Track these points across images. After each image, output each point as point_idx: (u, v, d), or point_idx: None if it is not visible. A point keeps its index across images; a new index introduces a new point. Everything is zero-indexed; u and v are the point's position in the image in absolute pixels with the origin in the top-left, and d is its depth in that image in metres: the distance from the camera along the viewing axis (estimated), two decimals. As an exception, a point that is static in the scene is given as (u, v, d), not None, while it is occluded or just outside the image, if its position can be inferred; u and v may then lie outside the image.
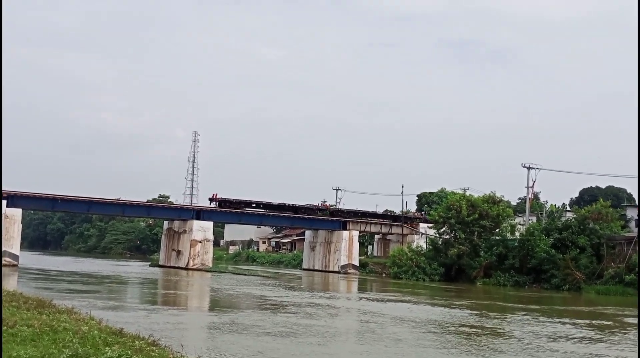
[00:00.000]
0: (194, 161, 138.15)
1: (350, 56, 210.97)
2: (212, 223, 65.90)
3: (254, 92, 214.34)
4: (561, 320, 28.08)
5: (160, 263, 68.04)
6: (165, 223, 69.60)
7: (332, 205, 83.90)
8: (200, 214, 65.23)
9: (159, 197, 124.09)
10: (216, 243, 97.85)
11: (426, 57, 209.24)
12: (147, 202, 75.21)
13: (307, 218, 72.16)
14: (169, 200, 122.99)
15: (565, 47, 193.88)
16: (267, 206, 70.99)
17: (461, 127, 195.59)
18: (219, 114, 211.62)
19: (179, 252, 64.65)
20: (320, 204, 79.05)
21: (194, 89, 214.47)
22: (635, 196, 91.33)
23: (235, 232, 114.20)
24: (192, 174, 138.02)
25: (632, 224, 60.98)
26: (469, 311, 30.32)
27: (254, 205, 70.18)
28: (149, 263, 75.84)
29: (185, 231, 64.17)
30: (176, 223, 66.16)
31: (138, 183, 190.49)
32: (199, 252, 63.03)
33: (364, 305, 32.56)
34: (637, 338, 21.65)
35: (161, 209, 69.21)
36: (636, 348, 19.39)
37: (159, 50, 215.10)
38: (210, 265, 64.14)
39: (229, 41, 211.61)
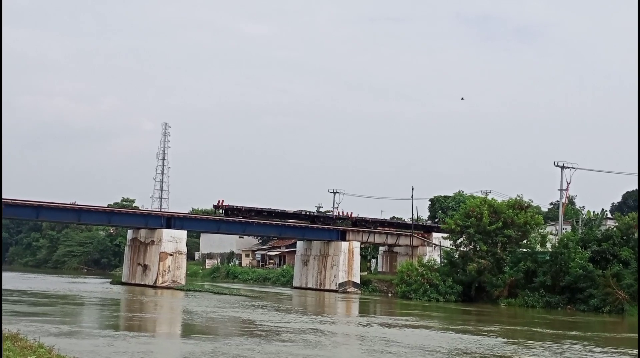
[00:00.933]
0: (163, 159, 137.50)
1: (350, 33, 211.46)
2: (185, 232, 65.66)
3: (236, 76, 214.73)
4: (617, 349, 27.79)
5: (124, 279, 67.72)
6: (130, 232, 69.25)
7: (340, 212, 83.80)
8: (171, 221, 64.95)
9: (122, 201, 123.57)
10: (190, 257, 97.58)
11: (440, 34, 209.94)
12: (107, 207, 74.99)
13: (299, 226, 72.05)
14: (134, 205, 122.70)
15: (607, 22, 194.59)
16: (281, 214, 72.48)
17: (482, 119, 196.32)
18: (194, 101, 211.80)
19: (145, 267, 64.35)
20: (343, 213, 79.02)
21: (165, 72, 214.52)
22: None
23: (213, 243, 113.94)
24: (162, 174, 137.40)
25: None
26: (502, 340, 29.98)
27: (265, 213, 71.56)
28: (110, 279, 75.52)
29: (153, 242, 63.87)
30: (142, 233, 65.82)
31: (97, 184, 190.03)
32: (169, 267, 62.75)
33: (374, 332, 32.16)
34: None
35: (124, 216, 68.81)
36: None
37: (124, 26, 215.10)
38: (183, 282, 63.92)
39: (206, 15, 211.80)
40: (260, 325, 32.60)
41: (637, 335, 32.91)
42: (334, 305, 54.09)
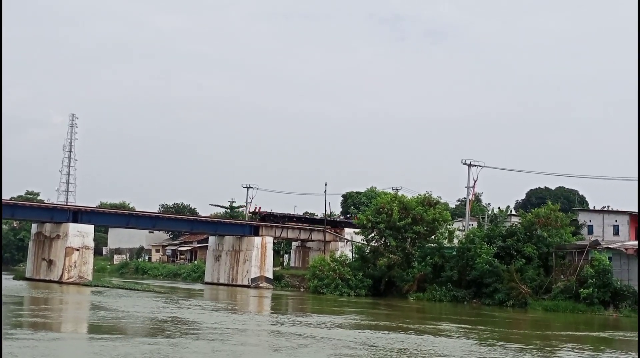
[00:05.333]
0: (70, 151, 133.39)
1: (265, 29, 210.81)
2: (92, 226, 64.06)
3: (150, 69, 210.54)
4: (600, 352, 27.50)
5: (27, 275, 65.58)
6: (34, 226, 67.11)
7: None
8: (77, 215, 63.28)
9: (26, 194, 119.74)
10: (98, 252, 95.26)
11: (354, 34, 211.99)
12: (10, 200, 72.20)
13: (211, 221, 71.36)
14: (39, 198, 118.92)
15: (515, 25, 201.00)
16: (309, 220, 79.05)
17: (394, 117, 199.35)
18: (106, 94, 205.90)
19: (50, 262, 62.49)
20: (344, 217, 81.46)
21: (77, 63, 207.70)
22: (588, 199, 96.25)
23: (122, 238, 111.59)
24: (68, 166, 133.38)
25: (585, 231, 63.78)
26: (471, 341, 29.10)
27: (295, 219, 77.03)
28: (13, 275, 73.02)
29: (58, 237, 62.11)
30: (47, 227, 63.85)
31: None
32: (75, 262, 61.19)
33: (333, 333, 30.04)
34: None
35: (28, 209, 66.47)
36: None
37: (35, 14, 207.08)
38: (90, 278, 62.39)
39: (120, 6, 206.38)
40: (207, 326, 30.74)
41: None
42: (258, 301, 53.59)
